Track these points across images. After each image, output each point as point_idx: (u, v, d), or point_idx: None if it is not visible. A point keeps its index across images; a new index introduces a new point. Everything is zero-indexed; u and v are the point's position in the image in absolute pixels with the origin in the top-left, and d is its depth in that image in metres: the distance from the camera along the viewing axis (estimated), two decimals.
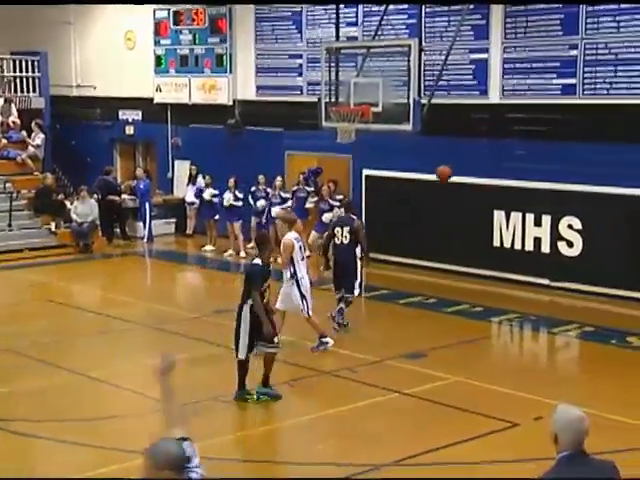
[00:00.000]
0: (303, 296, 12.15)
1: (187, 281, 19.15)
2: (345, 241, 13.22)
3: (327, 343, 12.32)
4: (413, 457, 8.78)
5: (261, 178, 19.16)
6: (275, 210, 18.54)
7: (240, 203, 19.32)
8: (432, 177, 16.88)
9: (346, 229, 13.24)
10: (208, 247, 20.13)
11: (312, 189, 18.58)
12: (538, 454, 8.26)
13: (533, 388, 10.71)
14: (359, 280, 13.54)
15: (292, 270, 12.11)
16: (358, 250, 13.32)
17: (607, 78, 14.97)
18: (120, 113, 23.45)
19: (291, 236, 12.22)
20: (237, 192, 19.29)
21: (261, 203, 19.06)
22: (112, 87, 23.16)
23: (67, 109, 23.80)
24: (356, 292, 13.53)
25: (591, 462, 4.74)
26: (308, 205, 18.67)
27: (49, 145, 22.88)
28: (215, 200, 19.89)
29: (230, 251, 19.41)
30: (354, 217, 13.65)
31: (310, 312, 12.23)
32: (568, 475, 4.60)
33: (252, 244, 19.81)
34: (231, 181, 19.25)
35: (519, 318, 14.26)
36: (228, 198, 19.25)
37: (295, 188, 18.29)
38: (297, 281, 12.15)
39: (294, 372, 11.41)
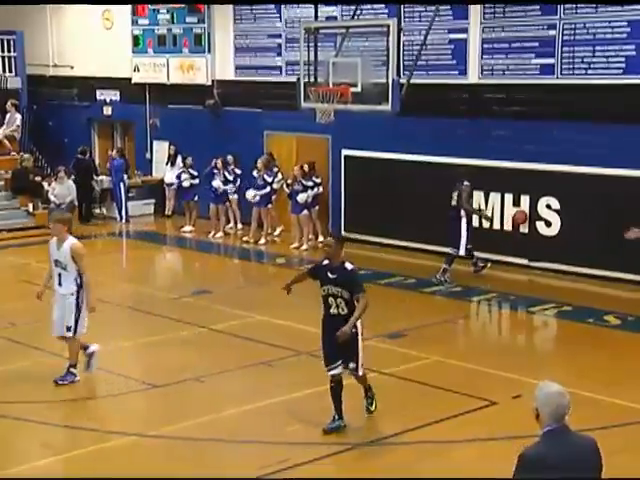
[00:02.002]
0: (79, 312, 10.19)
1: (166, 262, 19.11)
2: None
3: (75, 376, 10.27)
4: (392, 436, 8.83)
5: (230, 158, 19.14)
6: (250, 193, 18.51)
7: (230, 186, 19.27)
8: (411, 157, 16.98)
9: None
10: (187, 228, 20.08)
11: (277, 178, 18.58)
12: (516, 432, 8.33)
13: (511, 367, 10.77)
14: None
15: (79, 281, 10.23)
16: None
17: (585, 58, 14.99)
18: (98, 93, 23.29)
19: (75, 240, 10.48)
20: (226, 174, 19.21)
21: (217, 183, 19.08)
22: (89, 67, 22.99)
23: (44, 89, 23.62)
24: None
25: (573, 437, 4.83)
26: (275, 186, 18.63)
27: (26, 126, 22.69)
28: (195, 182, 19.82)
29: (220, 233, 19.39)
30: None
31: (78, 332, 10.25)
32: (552, 449, 4.68)
33: (231, 224, 19.91)
34: (219, 163, 19.16)
35: (498, 298, 14.33)
36: (218, 185, 19.17)
37: (290, 181, 18.22)
38: (78, 294, 10.22)
39: (272, 352, 11.42)
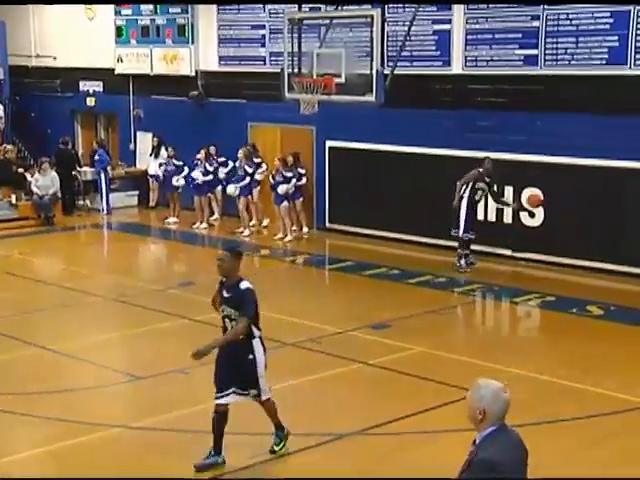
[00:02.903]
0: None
1: (150, 253, 19.06)
2: None
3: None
4: (377, 426, 8.84)
5: (212, 149, 19.10)
6: (230, 188, 18.53)
7: (210, 177, 19.24)
8: (395, 148, 16.99)
9: None
10: (171, 219, 20.04)
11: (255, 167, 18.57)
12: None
13: (495, 357, 10.83)
14: None
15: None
16: None
17: (569, 49, 15.02)
18: (81, 84, 23.17)
19: None
20: (207, 165, 19.18)
21: (196, 174, 19.07)
22: (72, 58, 22.86)
23: (26, 80, 23.48)
24: None
25: (512, 433, 4.68)
26: (258, 177, 18.62)
27: (8, 117, 22.56)
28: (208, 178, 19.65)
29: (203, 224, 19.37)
30: None
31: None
32: (503, 449, 4.54)
33: (216, 216, 19.90)
34: (202, 153, 19.12)
35: (482, 288, 14.38)
36: (198, 176, 19.12)
37: (273, 172, 18.18)
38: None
39: None
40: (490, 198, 15.53)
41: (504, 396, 4.61)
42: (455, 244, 15.47)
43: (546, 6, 15.13)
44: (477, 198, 15.21)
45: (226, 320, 7.94)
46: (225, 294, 7.94)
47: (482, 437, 4.60)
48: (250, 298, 7.88)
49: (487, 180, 15.13)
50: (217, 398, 7.88)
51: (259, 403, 8.10)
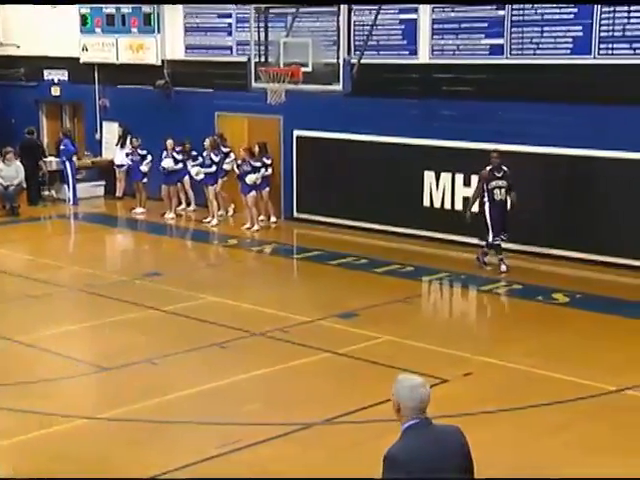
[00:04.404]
0: None
1: (117, 244, 18.94)
2: None
3: None
4: (346, 415, 8.87)
5: (170, 143, 19.00)
6: (194, 170, 18.50)
7: (180, 165, 19.15)
8: (362, 137, 17.00)
9: None
10: (138, 210, 19.93)
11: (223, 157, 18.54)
12: (467, 409, 8.44)
13: (463, 345, 10.89)
14: None
15: None
16: None
17: (534, 38, 15.11)
18: (45, 73, 22.92)
19: None
20: (175, 154, 19.09)
21: (166, 163, 19.01)
22: (36, 46, 22.59)
23: None
24: None
25: (436, 429, 4.62)
26: (226, 166, 18.60)
27: None
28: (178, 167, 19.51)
29: (171, 214, 19.29)
30: None
31: None
32: (415, 444, 4.50)
33: (183, 205, 19.82)
34: (169, 143, 19.02)
35: (449, 277, 14.45)
36: (170, 164, 19.02)
37: (240, 162, 18.12)
38: None
39: (225, 333, 11.40)
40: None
41: (421, 391, 4.56)
42: (419, 232, 15.49)
43: None
44: (498, 198, 14.31)
45: None
46: None
47: (401, 431, 4.59)
48: None
49: (500, 175, 14.32)
50: None
51: None
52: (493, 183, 14.34)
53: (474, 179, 15.81)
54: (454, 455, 4.58)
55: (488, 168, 14.40)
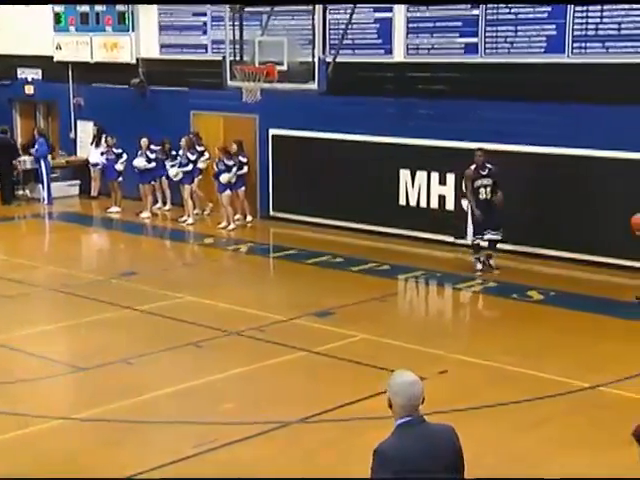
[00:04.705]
0: None
1: (92, 244, 18.86)
2: None
3: None
4: (321, 413, 8.89)
5: (144, 141, 18.95)
6: (172, 171, 18.45)
7: (153, 164, 19.10)
8: (338, 136, 17.02)
9: None
10: (113, 209, 19.85)
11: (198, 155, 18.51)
12: (443, 406, 8.46)
13: (438, 343, 10.94)
14: None
15: None
16: None
17: (508, 37, 15.19)
18: (19, 72, 22.76)
19: None
20: (148, 153, 19.03)
21: (138, 162, 18.95)
22: (9, 44, 22.43)
23: None
24: None
25: (428, 427, 4.60)
26: (201, 165, 18.59)
27: None
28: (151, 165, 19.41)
29: (147, 213, 19.22)
30: None
31: None
32: (405, 441, 4.49)
33: (159, 204, 19.77)
34: (143, 141, 18.95)
35: (425, 275, 14.50)
36: (142, 163, 18.95)
37: (217, 161, 18.08)
38: None
39: (201, 332, 11.39)
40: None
41: (412, 389, 4.54)
42: (395, 231, 15.55)
43: None
44: (482, 197, 14.18)
45: None
46: None
47: (393, 428, 4.59)
48: None
49: (485, 173, 14.17)
50: None
51: None
52: (478, 182, 14.20)
53: (449, 177, 15.90)
54: (445, 454, 4.57)
55: (472, 167, 14.25)
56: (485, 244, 14.47)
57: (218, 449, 8.08)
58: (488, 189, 14.20)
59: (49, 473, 7.56)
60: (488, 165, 14.21)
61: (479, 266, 14.39)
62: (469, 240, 14.54)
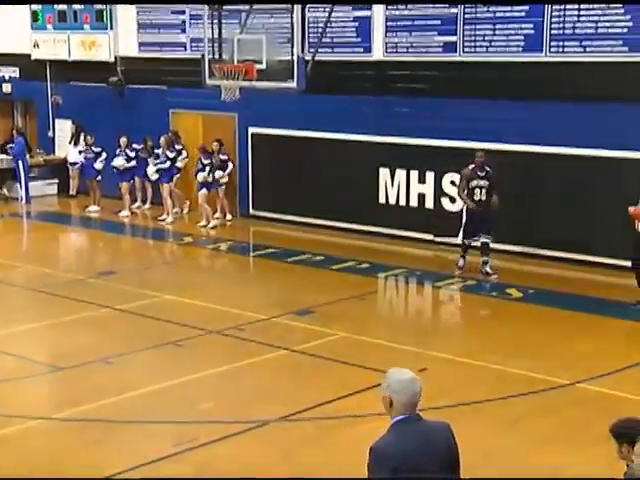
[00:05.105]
0: None
1: (71, 243, 18.77)
2: None
3: None
4: (302, 411, 8.90)
5: (123, 140, 18.90)
6: (151, 170, 18.43)
7: (133, 163, 19.04)
8: (317, 134, 17.02)
9: None
10: (92, 208, 19.76)
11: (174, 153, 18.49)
12: (422, 405, 8.49)
13: (418, 341, 10.98)
14: None
15: None
16: None
17: (486, 36, 15.25)
18: None
19: None
20: (128, 152, 18.98)
21: (117, 162, 18.91)
22: None
23: None
24: None
25: (425, 425, 4.63)
26: (179, 164, 18.58)
27: None
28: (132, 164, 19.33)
29: (125, 212, 19.16)
30: None
31: None
32: (403, 439, 4.50)
33: (138, 203, 19.71)
34: (122, 140, 18.89)
35: (405, 273, 14.53)
36: (121, 162, 18.89)
37: (196, 160, 18.06)
38: None
39: (181, 331, 11.37)
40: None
41: (413, 387, 4.58)
42: (374, 229, 15.55)
43: None
44: (477, 198, 13.90)
45: None
46: None
47: (390, 425, 4.59)
48: None
49: (482, 174, 13.89)
50: None
51: None
52: (474, 182, 13.92)
53: (429, 176, 15.93)
54: (441, 452, 4.60)
55: (470, 167, 13.98)
56: (477, 243, 14.19)
57: (197, 448, 8.07)
58: (483, 191, 13.93)
59: (28, 473, 7.53)
60: (487, 167, 13.93)
61: (461, 262, 14.28)
62: (459, 240, 14.32)
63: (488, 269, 14.11)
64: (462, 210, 14.47)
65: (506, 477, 7.34)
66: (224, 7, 16.16)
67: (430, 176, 15.92)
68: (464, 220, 14.30)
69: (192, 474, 7.62)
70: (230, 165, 17.98)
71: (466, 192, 13.99)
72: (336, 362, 10.32)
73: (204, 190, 17.71)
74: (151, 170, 18.47)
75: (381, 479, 4.44)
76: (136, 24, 19.94)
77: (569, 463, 7.75)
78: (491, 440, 8.26)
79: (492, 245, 14.59)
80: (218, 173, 17.69)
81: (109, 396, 9.25)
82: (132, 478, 7.57)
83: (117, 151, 19.01)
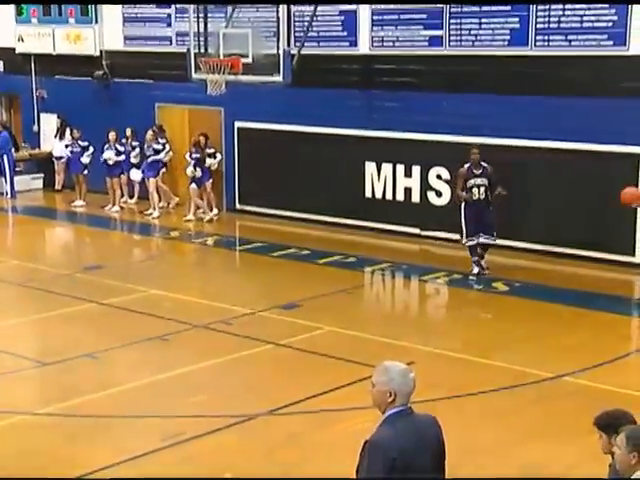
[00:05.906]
0: None
1: (56, 237, 18.71)
2: None
3: None
4: (288, 406, 8.90)
5: (112, 135, 18.84)
6: (134, 173, 18.42)
7: (122, 157, 18.99)
8: (303, 128, 17.01)
9: None
10: (78, 202, 19.69)
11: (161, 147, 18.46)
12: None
13: (404, 335, 10.99)
14: None
15: None
16: None
17: (472, 30, 15.26)
18: None
19: None
20: (118, 146, 18.92)
21: (107, 155, 18.86)
22: None
23: None
24: None
25: (416, 418, 4.69)
26: (164, 159, 18.56)
27: None
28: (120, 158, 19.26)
29: (115, 207, 19.11)
30: None
31: None
32: (400, 431, 4.55)
33: (125, 198, 19.65)
34: (112, 135, 18.83)
35: (391, 267, 14.55)
36: (110, 156, 18.84)
37: (189, 153, 18.03)
38: None
39: (167, 326, 11.35)
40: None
41: (411, 376, 4.67)
42: (361, 223, 15.55)
43: None
44: (475, 197, 13.42)
45: None
46: None
47: (382, 419, 4.62)
48: None
49: (479, 172, 13.44)
50: None
51: None
52: (471, 181, 13.42)
53: (415, 170, 15.94)
54: (431, 443, 4.68)
55: (466, 165, 13.50)
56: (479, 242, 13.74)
57: (185, 442, 8.07)
58: (482, 189, 13.42)
59: (13, 470, 7.51)
60: (483, 164, 13.49)
61: (476, 270, 13.65)
62: (463, 242, 13.76)
63: (482, 264, 13.92)
64: (460, 211, 13.73)
65: (491, 477, 7.38)
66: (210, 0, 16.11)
67: (416, 170, 15.93)
68: (463, 221, 13.68)
69: (179, 468, 7.61)
70: (218, 155, 17.97)
71: (465, 192, 13.52)
72: (322, 356, 10.34)
73: (193, 185, 17.69)
74: (134, 173, 18.45)
75: (383, 477, 4.47)
76: (121, 18, 19.86)
77: (554, 456, 7.79)
78: (476, 433, 8.29)
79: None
80: (209, 161, 17.67)
81: (95, 391, 9.24)
82: (119, 478, 7.54)
83: (105, 146, 18.92)
